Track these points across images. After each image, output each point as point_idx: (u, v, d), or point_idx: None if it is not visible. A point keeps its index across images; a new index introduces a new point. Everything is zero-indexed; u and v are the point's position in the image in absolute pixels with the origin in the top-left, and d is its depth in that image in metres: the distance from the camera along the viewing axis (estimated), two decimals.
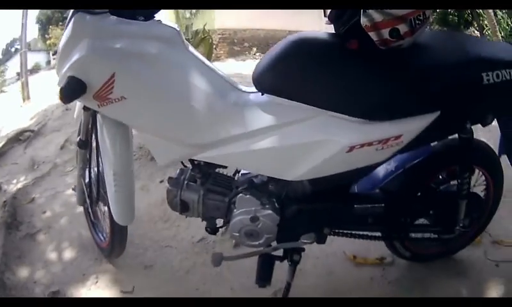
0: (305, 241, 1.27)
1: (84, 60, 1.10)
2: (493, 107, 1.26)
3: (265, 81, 1.17)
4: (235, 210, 1.23)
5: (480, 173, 1.47)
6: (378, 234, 1.42)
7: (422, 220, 1.45)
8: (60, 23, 17.61)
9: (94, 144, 1.50)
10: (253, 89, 1.19)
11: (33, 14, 24.24)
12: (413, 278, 1.56)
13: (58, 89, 1.15)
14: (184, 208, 1.27)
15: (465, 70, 1.16)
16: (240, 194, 1.23)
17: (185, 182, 1.28)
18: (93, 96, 1.12)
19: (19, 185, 2.62)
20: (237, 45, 10.82)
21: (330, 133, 1.10)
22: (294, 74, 1.14)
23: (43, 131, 3.83)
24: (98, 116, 1.32)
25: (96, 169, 1.57)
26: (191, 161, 1.27)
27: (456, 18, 10.96)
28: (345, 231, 1.35)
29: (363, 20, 1.05)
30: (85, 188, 1.65)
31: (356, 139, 1.09)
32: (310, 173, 1.15)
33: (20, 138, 3.73)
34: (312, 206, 1.27)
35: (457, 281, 1.53)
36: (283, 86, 1.14)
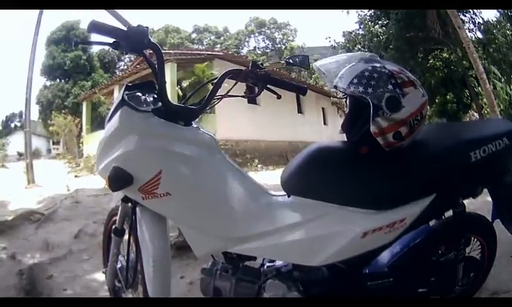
0: None
1: (133, 154, 1.24)
2: (482, 179, 1.43)
3: (291, 185, 1.37)
4: (264, 294, 1.34)
5: (476, 239, 1.63)
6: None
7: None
8: (62, 110, 17.74)
9: (128, 233, 1.57)
10: (281, 192, 1.38)
11: (33, 93, 24.95)
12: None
13: (104, 176, 1.30)
14: (216, 294, 1.38)
15: (455, 154, 1.35)
16: (270, 280, 1.35)
17: (218, 272, 1.39)
18: (139, 189, 1.25)
19: (35, 261, 2.75)
20: (239, 156, 11.09)
21: (347, 223, 1.28)
22: (315, 178, 1.35)
23: (54, 217, 4.01)
24: (138, 209, 1.41)
25: (131, 255, 1.61)
26: (224, 254, 1.39)
27: (455, 105, 11.26)
28: None
29: (372, 128, 1.24)
30: (119, 273, 1.71)
31: (368, 226, 1.27)
32: (331, 258, 1.30)
33: (31, 218, 3.94)
34: (332, 288, 1.41)
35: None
36: (306, 188, 1.34)
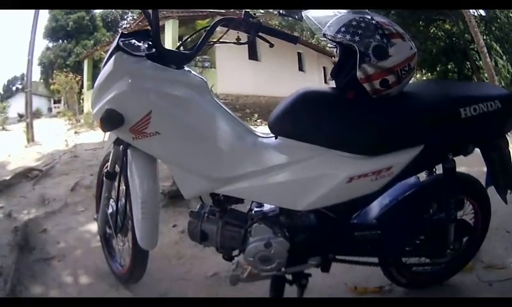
0: (312, 263, 1.42)
1: (124, 96, 1.28)
2: (472, 138, 1.42)
3: (278, 126, 1.38)
4: (250, 238, 1.38)
5: (468, 202, 1.63)
6: (376, 261, 1.58)
7: (415, 246, 1.60)
8: (64, 69, 17.42)
9: (120, 177, 1.59)
10: (268, 133, 1.41)
11: (36, 55, 24.89)
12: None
13: (97, 119, 1.34)
14: (203, 237, 1.42)
15: (444, 107, 1.35)
16: (256, 224, 1.39)
17: (206, 215, 1.43)
18: (129, 129, 1.30)
19: (30, 216, 2.75)
20: (239, 110, 11.15)
21: (333, 167, 1.30)
22: (302, 119, 1.36)
23: (52, 173, 3.99)
24: (129, 151, 1.45)
25: (122, 199, 1.67)
26: (212, 197, 1.43)
27: (456, 74, 11.19)
28: (346, 258, 1.50)
29: (359, 74, 1.27)
30: (109, 218, 1.75)
31: (354, 171, 1.29)
32: (317, 203, 1.33)
33: (28, 175, 3.90)
34: (319, 234, 1.43)
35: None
36: (294, 129, 1.35)
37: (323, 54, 17.57)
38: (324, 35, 1.36)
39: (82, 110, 13.51)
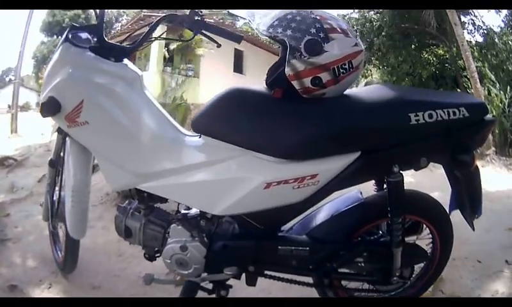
0: (227, 273, 1.31)
1: (63, 84, 1.30)
2: (425, 149, 1.23)
3: (199, 124, 1.31)
4: (168, 239, 1.34)
5: (425, 226, 1.43)
6: (309, 281, 1.41)
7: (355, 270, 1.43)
8: None
9: (58, 165, 1.69)
10: (193, 132, 1.35)
11: (31, 48, 24.65)
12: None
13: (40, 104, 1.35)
14: (127, 234, 1.40)
15: (389, 111, 1.19)
16: (174, 225, 1.34)
17: (131, 211, 1.41)
18: (65, 117, 1.30)
19: None
20: None
21: (250, 170, 1.21)
22: (224, 119, 1.27)
23: (25, 163, 4.21)
24: (67, 140, 1.47)
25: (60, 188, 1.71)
26: (137, 193, 1.37)
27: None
28: (273, 274, 1.36)
29: (287, 70, 1.14)
30: (49, 205, 1.81)
31: (272, 176, 1.19)
32: (234, 208, 1.25)
33: (4, 163, 4.15)
34: (237, 243, 1.32)
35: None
36: (214, 128, 1.28)
37: None
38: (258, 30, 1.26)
39: None
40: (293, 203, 1.23)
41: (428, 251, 1.47)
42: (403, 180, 1.24)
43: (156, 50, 10.63)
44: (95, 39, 1.39)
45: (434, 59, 11.33)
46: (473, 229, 1.38)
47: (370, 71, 12.64)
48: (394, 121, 1.19)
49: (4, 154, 4.51)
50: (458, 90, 10.25)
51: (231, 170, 1.25)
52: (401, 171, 1.25)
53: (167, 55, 10.79)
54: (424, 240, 1.48)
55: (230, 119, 1.27)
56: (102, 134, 1.33)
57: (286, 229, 1.41)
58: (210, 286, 1.39)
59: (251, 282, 1.39)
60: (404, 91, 1.39)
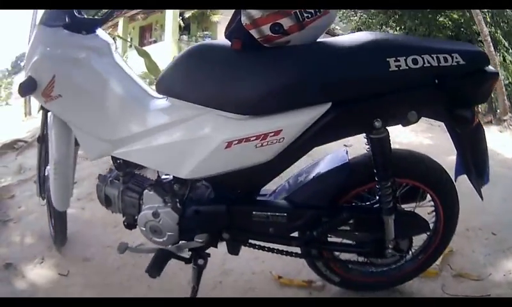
0: (198, 240, 1.27)
1: (37, 63, 1.34)
2: (413, 101, 1.08)
3: (163, 85, 1.27)
4: (143, 206, 1.32)
5: (426, 192, 1.30)
6: (297, 251, 1.34)
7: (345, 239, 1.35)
8: None
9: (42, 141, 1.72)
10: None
11: None
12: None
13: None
14: (107, 202, 1.41)
15: (363, 56, 1.05)
16: (146, 191, 1.31)
17: (110, 179, 1.41)
18: (41, 93, 1.34)
19: (4, 184, 3.02)
20: None
21: (211, 129, 1.15)
22: (184, 78, 1.22)
23: (35, 144, 4.24)
24: (49, 115, 1.52)
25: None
26: (113, 160, 1.38)
27: None
28: (260, 243, 1.31)
29: (243, 19, 1.04)
30: (40, 181, 1.87)
31: (232, 134, 1.11)
32: (199, 171, 1.20)
33: (15, 146, 4.20)
34: (208, 209, 1.27)
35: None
36: (177, 88, 1.23)
37: (327, 33, 17.39)
38: None
39: None
40: (259, 163, 1.15)
41: (430, 221, 1.34)
42: (388, 136, 1.12)
43: (170, 19, 10.67)
44: (68, 17, 1.41)
45: (450, 22, 10.99)
46: (482, 198, 1.24)
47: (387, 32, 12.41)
48: (370, 67, 1.05)
49: (16, 137, 4.57)
50: None
51: (193, 130, 1.19)
52: (387, 127, 1.12)
53: (182, 24, 10.73)
54: (426, 208, 1.35)
55: (191, 77, 1.21)
56: (74, 105, 1.35)
57: (267, 194, 1.33)
58: (187, 256, 1.34)
59: (232, 251, 1.35)
60: (385, 36, 1.21)
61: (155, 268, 1.28)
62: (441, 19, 10.88)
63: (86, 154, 1.42)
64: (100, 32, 1.41)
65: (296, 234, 1.32)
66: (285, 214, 1.22)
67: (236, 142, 1.11)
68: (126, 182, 1.39)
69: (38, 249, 2.00)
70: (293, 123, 1.09)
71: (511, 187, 2.35)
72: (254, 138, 1.10)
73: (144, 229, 1.33)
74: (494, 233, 1.91)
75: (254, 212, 1.23)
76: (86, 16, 1.45)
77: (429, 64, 1.01)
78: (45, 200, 1.99)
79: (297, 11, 1.00)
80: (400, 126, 1.15)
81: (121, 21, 13.30)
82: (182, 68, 1.24)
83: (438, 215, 1.34)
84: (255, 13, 1.02)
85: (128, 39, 12.70)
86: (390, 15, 10.99)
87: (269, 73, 1.10)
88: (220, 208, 1.25)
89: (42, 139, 1.81)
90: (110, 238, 2.06)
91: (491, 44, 6.68)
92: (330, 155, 1.31)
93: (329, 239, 1.37)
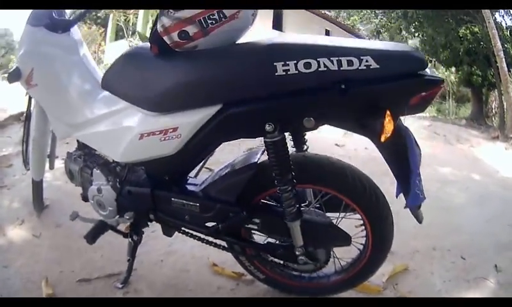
0: (126, 217, 1.48)
1: (21, 56, 1.59)
2: (306, 107, 1.07)
3: (103, 81, 1.44)
4: (93, 182, 1.55)
5: (351, 206, 1.27)
6: (224, 244, 1.45)
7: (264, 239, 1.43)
8: (96, 21, 17.06)
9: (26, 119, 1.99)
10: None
11: None
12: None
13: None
14: (71, 176, 1.68)
15: (250, 60, 1.09)
16: (95, 169, 1.54)
17: (74, 157, 1.67)
18: (24, 81, 1.58)
19: (5, 153, 3.29)
20: None
21: (132, 122, 1.32)
22: (118, 77, 1.38)
23: None
24: (32, 98, 1.83)
25: None
26: (77, 141, 1.65)
27: (480, 78, 10.72)
28: (191, 232, 1.45)
29: (159, 27, 1.15)
30: (24, 153, 2.15)
31: (144, 128, 1.28)
32: (126, 156, 1.38)
33: (20, 118, 4.35)
34: (136, 190, 1.45)
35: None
36: (111, 85, 1.41)
37: (350, 33, 17.26)
38: None
39: (102, 62, 13.77)
40: (165, 155, 1.28)
41: (358, 236, 1.35)
42: (284, 141, 1.16)
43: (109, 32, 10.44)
44: (47, 18, 1.65)
45: (470, 35, 10.92)
46: (420, 222, 1.17)
47: (406, 38, 12.29)
48: (255, 71, 1.07)
49: (23, 110, 4.88)
50: (492, 69, 9.89)
51: (121, 121, 1.37)
52: (284, 132, 1.17)
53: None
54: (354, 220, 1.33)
55: (121, 77, 1.38)
56: (46, 93, 1.61)
57: (198, 183, 1.43)
58: (125, 231, 1.61)
59: (167, 232, 1.55)
60: (286, 40, 1.11)
61: (91, 236, 1.56)
62: (462, 31, 10.88)
63: (55, 133, 1.70)
64: (73, 31, 1.64)
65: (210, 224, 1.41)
66: (198, 204, 1.34)
67: (146, 134, 1.27)
68: (85, 160, 1.64)
69: (21, 212, 2.29)
70: (188, 121, 1.20)
71: (499, 208, 2.16)
72: (158, 132, 1.25)
73: (92, 202, 1.56)
74: (463, 257, 1.71)
75: (173, 198, 1.37)
76: (65, 18, 1.70)
77: (325, 68, 0.98)
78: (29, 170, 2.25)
79: (201, 18, 1.08)
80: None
81: (141, 13, 13.34)
82: (117, 67, 1.39)
83: (366, 230, 1.32)
84: (166, 22, 1.13)
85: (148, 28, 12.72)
86: (409, 21, 11.08)
87: (171, 75, 1.21)
88: (145, 191, 1.42)
89: (26, 118, 2.07)
90: (83, 210, 2.16)
91: (503, 59, 6.73)
92: (248, 153, 1.38)
93: (254, 236, 1.47)
